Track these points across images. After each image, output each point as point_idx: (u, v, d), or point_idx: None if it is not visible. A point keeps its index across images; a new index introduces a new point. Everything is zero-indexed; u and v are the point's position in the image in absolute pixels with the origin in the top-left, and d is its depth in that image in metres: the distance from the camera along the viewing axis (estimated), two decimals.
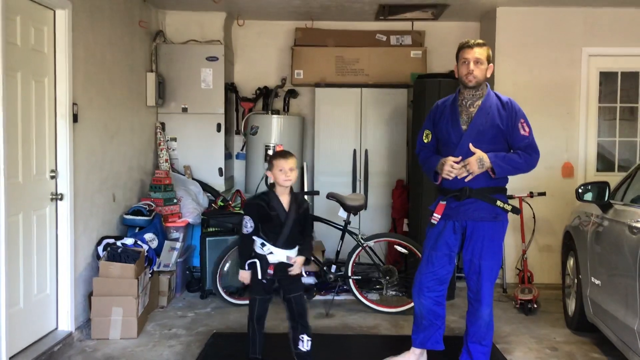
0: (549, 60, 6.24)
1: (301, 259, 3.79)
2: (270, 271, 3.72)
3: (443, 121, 3.82)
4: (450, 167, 3.67)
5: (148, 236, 5.19)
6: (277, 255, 3.72)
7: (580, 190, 4.33)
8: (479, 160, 3.63)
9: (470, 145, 3.65)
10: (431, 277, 3.82)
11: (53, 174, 4.34)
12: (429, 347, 3.90)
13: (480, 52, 3.73)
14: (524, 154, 3.73)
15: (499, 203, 3.73)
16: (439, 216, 3.78)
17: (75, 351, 4.33)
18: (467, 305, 3.88)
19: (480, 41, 3.80)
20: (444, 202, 3.77)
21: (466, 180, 3.68)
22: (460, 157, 3.67)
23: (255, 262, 3.71)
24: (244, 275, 3.75)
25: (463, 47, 3.78)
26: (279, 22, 6.96)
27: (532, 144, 3.77)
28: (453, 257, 3.85)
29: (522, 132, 3.74)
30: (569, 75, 6.25)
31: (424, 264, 3.87)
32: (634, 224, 3.59)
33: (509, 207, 3.77)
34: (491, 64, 3.79)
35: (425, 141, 3.94)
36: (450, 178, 3.69)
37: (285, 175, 3.70)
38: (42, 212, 4.25)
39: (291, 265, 3.76)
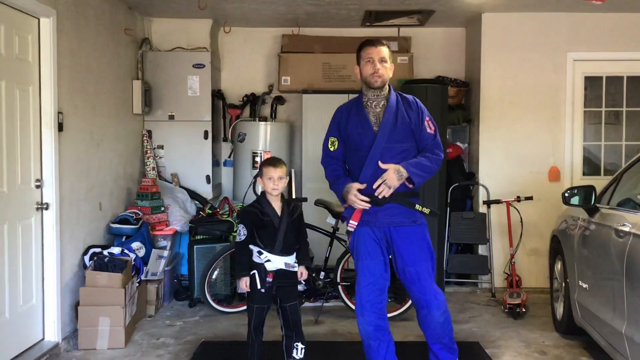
0: (534, 65, 6.28)
1: (304, 270, 3.80)
2: (269, 279, 3.69)
3: (351, 126, 3.66)
4: (354, 197, 3.52)
5: (135, 245, 5.16)
6: (274, 262, 3.69)
7: (566, 194, 4.35)
8: (397, 172, 3.50)
9: (380, 162, 3.52)
10: (372, 289, 3.61)
11: (38, 183, 4.30)
12: None
13: (384, 51, 3.61)
14: (431, 156, 3.61)
15: (417, 207, 3.59)
16: (356, 223, 3.61)
17: None
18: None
19: (383, 40, 3.69)
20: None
21: (383, 195, 3.51)
22: (365, 185, 3.55)
23: (254, 273, 3.69)
24: (243, 283, 3.68)
25: (366, 45, 3.63)
26: (266, 28, 6.96)
27: (439, 142, 3.67)
28: (388, 264, 3.68)
29: (428, 130, 3.64)
30: (554, 80, 6.29)
31: (362, 277, 3.64)
32: (620, 228, 3.60)
33: (427, 210, 3.62)
34: (392, 64, 3.68)
35: (332, 149, 3.73)
36: (355, 208, 3.57)
37: (273, 183, 3.69)
38: (28, 221, 4.22)
39: (290, 273, 3.74)
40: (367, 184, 3.58)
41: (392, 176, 3.50)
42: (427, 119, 3.67)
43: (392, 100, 3.65)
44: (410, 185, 3.57)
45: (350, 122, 3.68)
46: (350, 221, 3.63)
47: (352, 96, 6.57)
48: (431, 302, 3.61)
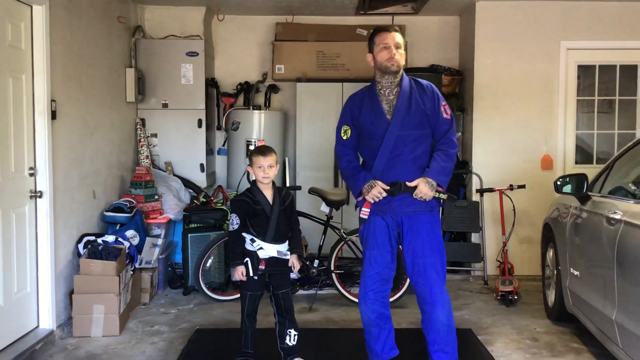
0: (527, 54, 6.29)
1: (297, 258, 3.81)
2: (262, 267, 3.71)
3: (365, 114, 3.61)
4: (378, 194, 3.50)
5: (129, 233, 5.17)
6: (267, 250, 3.72)
7: (559, 183, 4.38)
8: (427, 183, 3.49)
9: (407, 183, 3.51)
10: (377, 279, 3.60)
11: (32, 172, 4.30)
12: (385, 357, 3.67)
13: (399, 37, 3.55)
14: (450, 150, 3.59)
15: (435, 194, 3.53)
16: (369, 210, 3.58)
17: (57, 349, 4.30)
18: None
19: (397, 26, 3.66)
20: None
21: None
22: (388, 187, 3.52)
23: (246, 261, 3.71)
24: (239, 272, 3.69)
25: (380, 31, 3.57)
26: (260, 16, 6.94)
27: (454, 128, 3.64)
28: (395, 255, 3.66)
29: (444, 115, 3.60)
30: (547, 68, 6.30)
31: (367, 266, 3.63)
32: (612, 216, 3.63)
33: (444, 196, 3.57)
34: (405, 52, 3.63)
35: (344, 138, 3.68)
36: (373, 201, 3.55)
37: (263, 172, 3.70)
38: (22, 209, 4.21)
39: (283, 260, 3.77)
40: (382, 173, 3.56)
41: (426, 189, 3.48)
42: (444, 103, 3.62)
43: (405, 86, 3.59)
44: (440, 189, 3.56)
45: (363, 110, 3.63)
46: (363, 208, 3.61)
47: (346, 85, 6.69)
48: (437, 299, 3.54)
